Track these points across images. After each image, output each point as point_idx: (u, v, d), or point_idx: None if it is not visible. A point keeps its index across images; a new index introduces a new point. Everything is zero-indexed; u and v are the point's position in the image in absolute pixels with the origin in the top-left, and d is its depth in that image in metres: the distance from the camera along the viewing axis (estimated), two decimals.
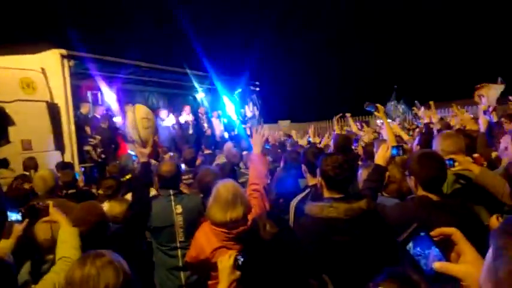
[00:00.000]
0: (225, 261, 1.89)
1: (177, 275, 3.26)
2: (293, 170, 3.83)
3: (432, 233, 1.02)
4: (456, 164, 2.78)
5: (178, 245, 3.29)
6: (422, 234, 1.01)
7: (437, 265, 0.96)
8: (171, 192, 3.38)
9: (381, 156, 2.71)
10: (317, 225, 2.29)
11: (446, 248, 1.01)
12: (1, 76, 6.92)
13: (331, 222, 2.25)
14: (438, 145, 3.06)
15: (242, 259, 1.88)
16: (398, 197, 2.99)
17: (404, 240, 1.01)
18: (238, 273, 1.87)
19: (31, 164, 5.83)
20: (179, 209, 3.33)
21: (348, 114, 8.37)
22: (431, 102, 8.22)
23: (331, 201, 2.32)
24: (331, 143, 4.76)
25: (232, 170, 4.63)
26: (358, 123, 10.54)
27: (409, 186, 2.52)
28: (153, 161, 5.67)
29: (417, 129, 8.92)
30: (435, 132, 5.60)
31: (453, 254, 1.01)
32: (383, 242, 2.22)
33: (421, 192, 2.29)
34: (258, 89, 14.67)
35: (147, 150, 3.12)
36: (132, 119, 3.44)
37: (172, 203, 3.35)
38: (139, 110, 3.53)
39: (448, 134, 3.29)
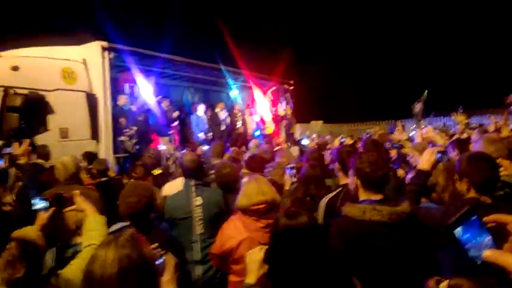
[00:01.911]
0: (255, 254, 1.81)
1: (194, 268, 3.22)
2: None
3: (486, 219, 0.90)
4: (502, 169, 2.61)
5: (196, 237, 3.26)
6: (473, 218, 0.88)
7: (488, 253, 0.84)
8: (193, 182, 3.38)
9: (425, 160, 2.62)
10: (358, 228, 2.18)
11: (499, 237, 0.88)
12: (44, 66, 7.19)
13: (373, 226, 2.14)
14: (482, 149, 2.90)
15: None
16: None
17: (454, 224, 0.89)
18: (267, 267, 1.80)
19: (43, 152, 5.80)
20: (199, 200, 3.30)
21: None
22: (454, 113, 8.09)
23: (373, 204, 2.22)
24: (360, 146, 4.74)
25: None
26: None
27: (451, 194, 2.41)
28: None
29: (455, 136, 8.63)
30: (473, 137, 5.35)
31: (507, 244, 0.88)
32: (424, 247, 2.12)
33: (473, 194, 2.17)
34: (292, 87, 14.54)
35: None
36: None
37: (193, 194, 3.32)
38: None
39: (493, 139, 3.13)
